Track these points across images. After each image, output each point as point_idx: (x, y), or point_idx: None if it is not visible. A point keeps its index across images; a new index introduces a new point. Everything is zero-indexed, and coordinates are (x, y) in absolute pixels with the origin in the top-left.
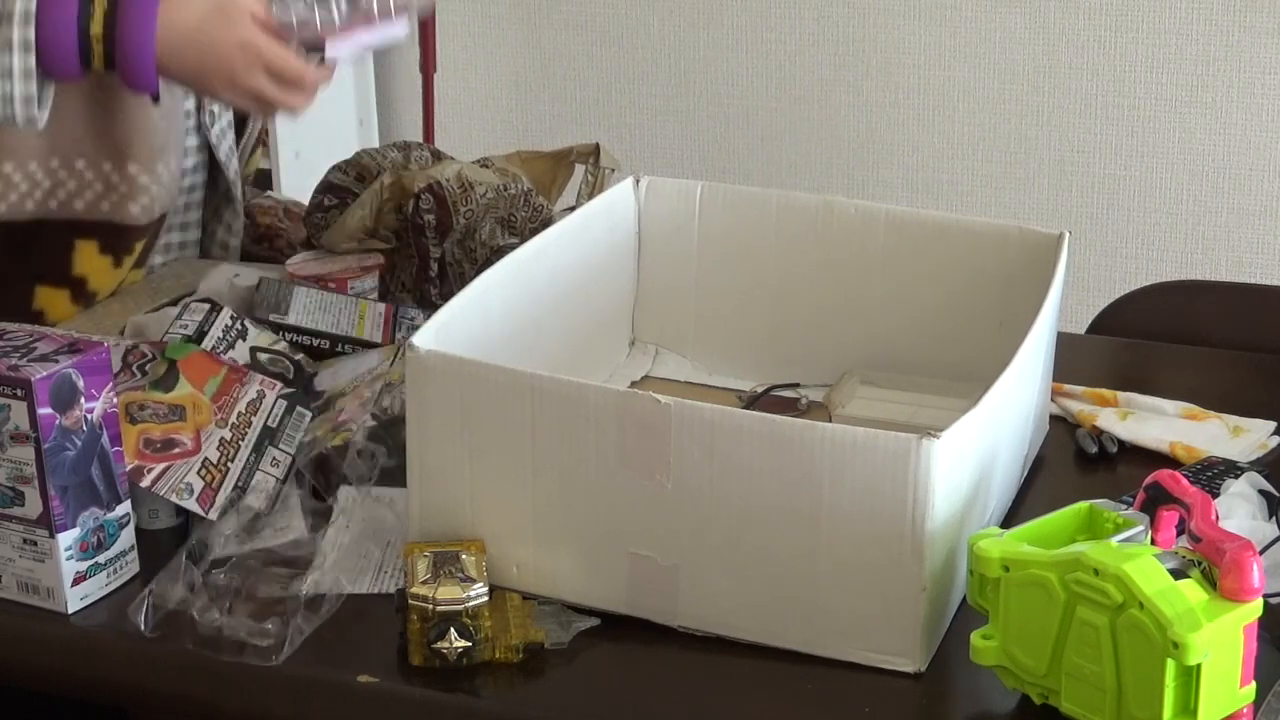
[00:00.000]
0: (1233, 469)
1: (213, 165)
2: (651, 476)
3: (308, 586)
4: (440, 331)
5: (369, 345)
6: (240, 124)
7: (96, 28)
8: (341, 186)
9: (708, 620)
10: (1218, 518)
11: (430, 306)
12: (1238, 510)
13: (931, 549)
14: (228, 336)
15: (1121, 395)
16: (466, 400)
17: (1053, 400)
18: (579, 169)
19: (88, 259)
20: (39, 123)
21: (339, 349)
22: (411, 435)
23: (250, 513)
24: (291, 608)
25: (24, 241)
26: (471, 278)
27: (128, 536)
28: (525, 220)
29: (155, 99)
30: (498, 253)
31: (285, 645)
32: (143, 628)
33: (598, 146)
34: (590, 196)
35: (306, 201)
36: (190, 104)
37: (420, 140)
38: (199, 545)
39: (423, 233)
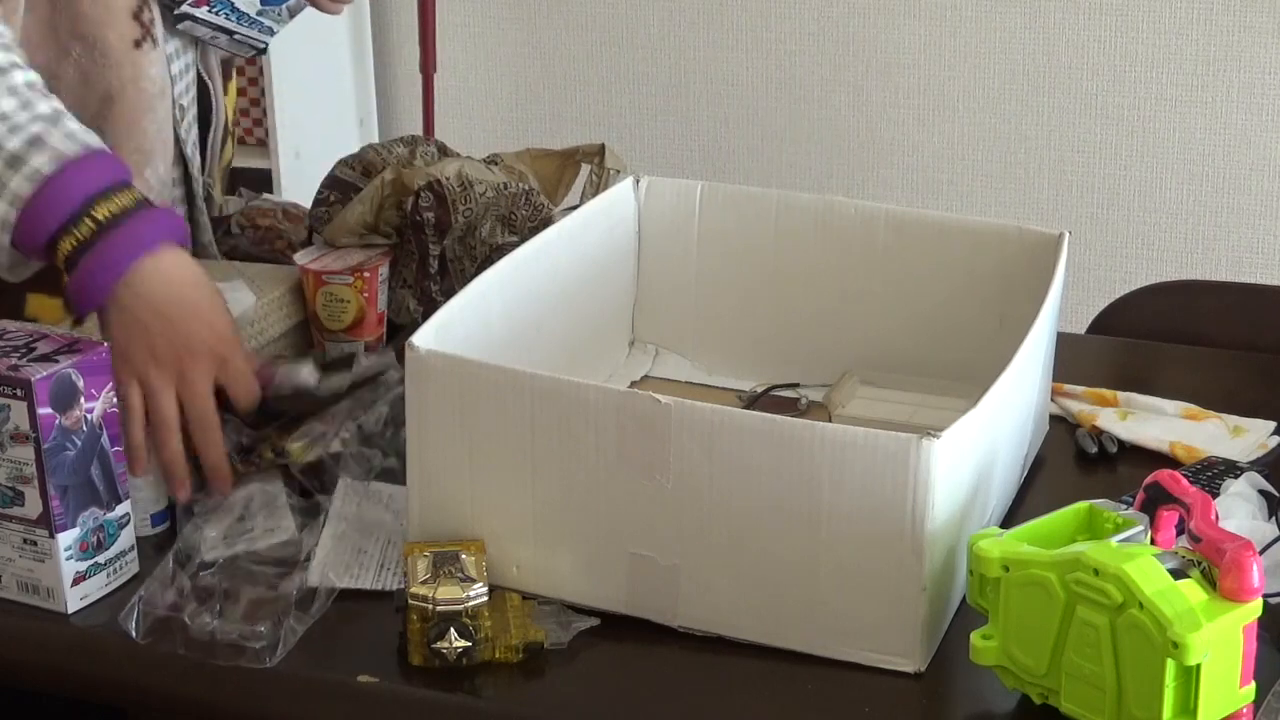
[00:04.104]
0: (1233, 469)
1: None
2: (651, 476)
3: (298, 586)
4: (440, 331)
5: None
6: (205, 117)
7: (66, 247)
8: (346, 181)
9: (708, 620)
10: (1218, 518)
11: (431, 302)
12: (1238, 510)
13: (931, 549)
14: None
15: (1121, 395)
16: (466, 400)
17: (1053, 400)
18: (585, 168)
19: None
20: (10, 278)
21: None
22: (411, 435)
23: (236, 513)
24: (282, 608)
25: None
26: (472, 275)
27: (128, 536)
28: (525, 219)
29: (79, 321)
30: (498, 250)
31: (279, 646)
32: (134, 634)
33: (603, 147)
34: (594, 196)
35: (305, 203)
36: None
37: None
38: (185, 549)
39: (422, 230)
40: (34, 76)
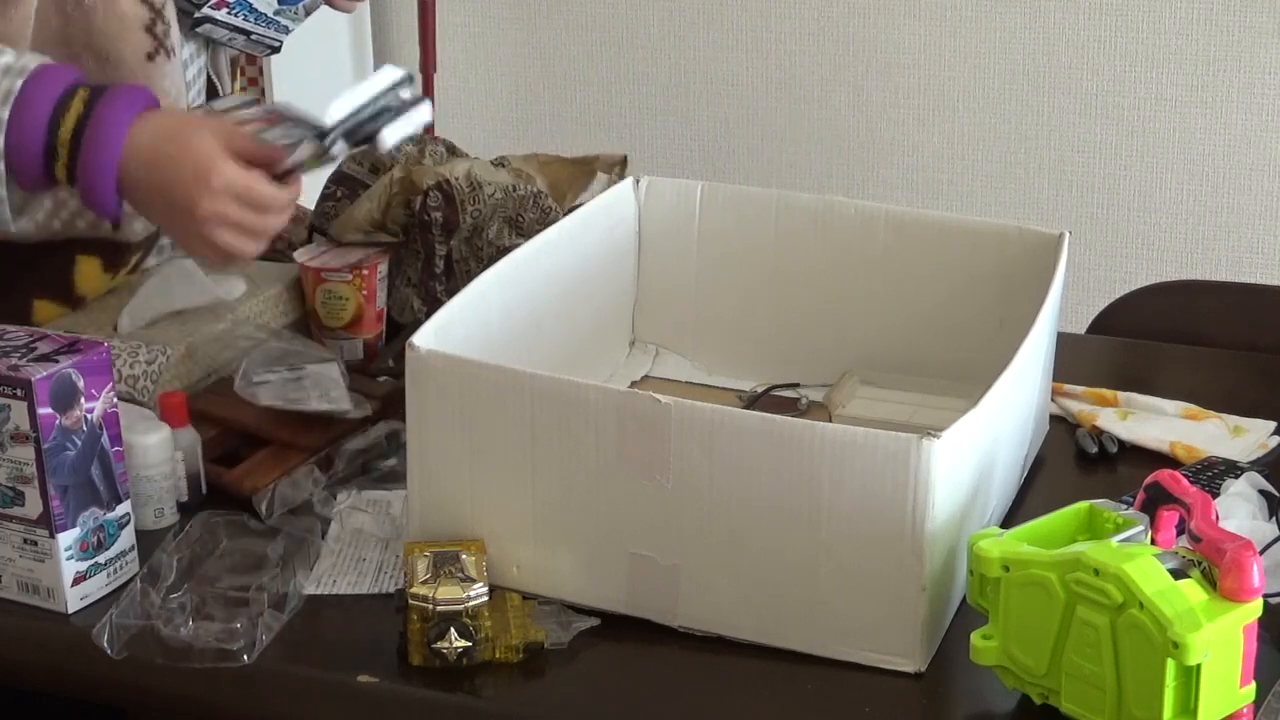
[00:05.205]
0: (1233, 469)
1: None
2: (651, 476)
3: (272, 590)
4: (440, 331)
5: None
6: None
7: (65, 133)
8: (354, 177)
9: (708, 620)
10: (1218, 518)
11: (435, 302)
12: (1238, 510)
13: (931, 549)
14: None
15: (1121, 395)
16: (466, 400)
17: (1053, 400)
18: (601, 176)
19: (89, 276)
20: (9, 226)
21: None
22: (411, 435)
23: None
24: (256, 608)
25: (27, 257)
26: (477, 276)
27: (128, 536)
28: (533, 222)
29: (115, 224)
30: (504, 252)
31: (256, 645)
32: (109, 651)
33: (625, 158)
34: None
35: (304, 202)
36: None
37: None
38: (152, 571)
39: (429, 229)
40: None
